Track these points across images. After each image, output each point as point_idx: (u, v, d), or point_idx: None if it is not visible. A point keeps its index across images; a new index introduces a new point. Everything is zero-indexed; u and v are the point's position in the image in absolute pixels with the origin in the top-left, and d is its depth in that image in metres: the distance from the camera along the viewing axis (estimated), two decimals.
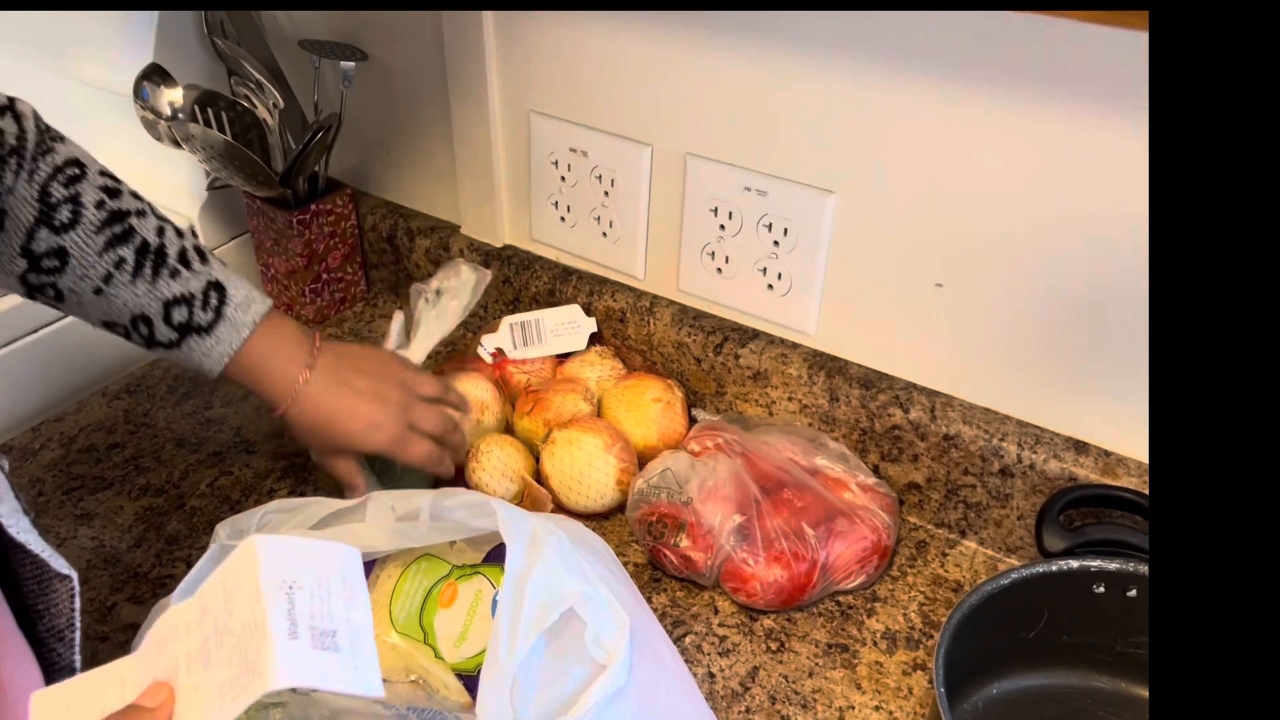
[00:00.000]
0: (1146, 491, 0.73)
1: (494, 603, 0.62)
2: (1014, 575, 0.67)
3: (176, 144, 0.94)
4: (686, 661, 0.72)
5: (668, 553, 0.79)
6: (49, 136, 0.67)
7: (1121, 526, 0.71)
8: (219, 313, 0.69)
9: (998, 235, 0.74)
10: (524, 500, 0.85)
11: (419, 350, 0.86)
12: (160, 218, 0.70)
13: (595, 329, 0.97)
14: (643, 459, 0.87)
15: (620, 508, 0.85)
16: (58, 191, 0.65)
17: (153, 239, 0.68)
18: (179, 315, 0.68)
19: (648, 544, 0.81)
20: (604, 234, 0.95)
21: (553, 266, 1.00)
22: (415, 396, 0.77)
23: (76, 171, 0.66)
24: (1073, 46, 0.65)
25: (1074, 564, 0.68)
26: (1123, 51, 0.63)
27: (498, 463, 0.85)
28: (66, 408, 0.98)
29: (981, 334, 0.79)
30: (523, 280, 1.01)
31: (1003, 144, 0.71)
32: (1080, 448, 0.77)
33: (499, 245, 1.04)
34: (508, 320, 0.97)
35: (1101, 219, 0.70)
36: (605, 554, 0.66)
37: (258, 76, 1.00)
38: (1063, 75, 0.67)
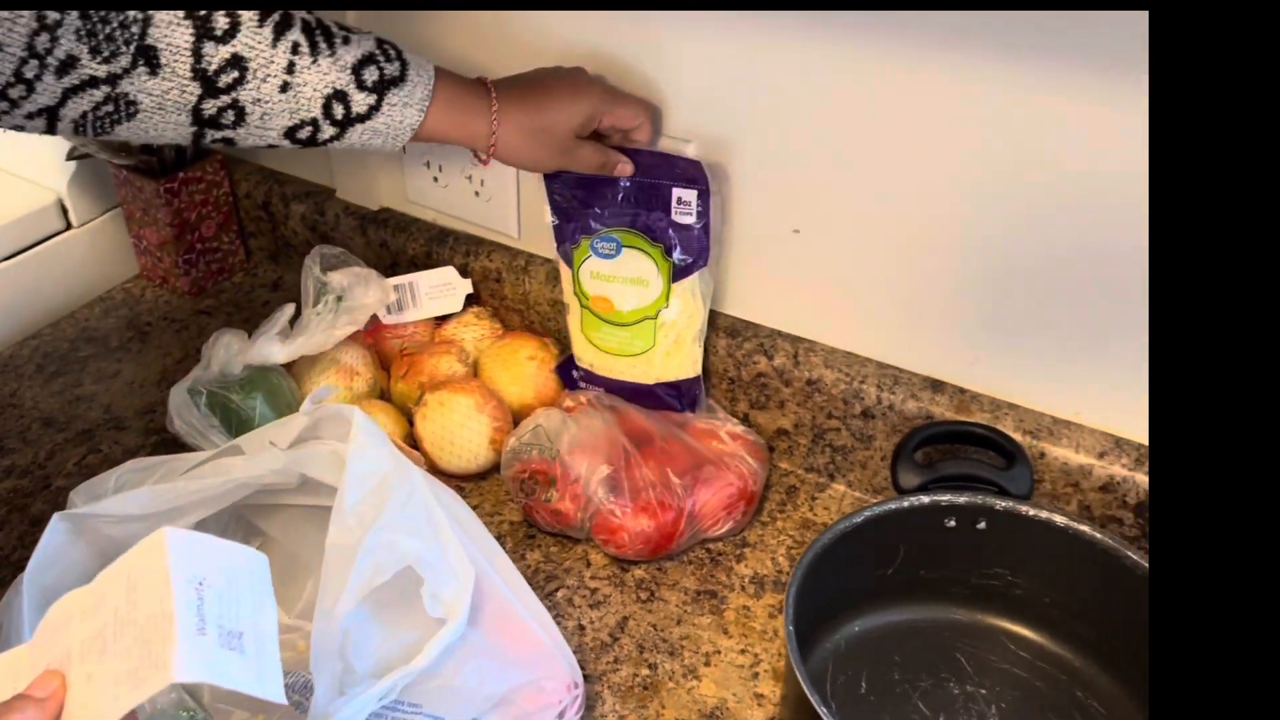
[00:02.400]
0: (998, 428, 0.74)
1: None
2: (866, 513, 0.68)
3: None
4: (558, 617, 0.73)
5: (539, 509, 0.79)
6: None
7: (973, 461, 0.72)
8: (402, 59, 0.67)
9: (848, 180, 0.74)
10: None
11: (293, 352, 0.83)
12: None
13: (471, 290, 0.96)
14: (519, 418, 0.86)
15: (495, 468, 0.85)
16: None
17: (308, 15, 0.64)
18: (370, 75, 0.65)
19: (521, 501, 0.81)
20: (476, 193, 0.94)
21: (429, 228, 0.99)
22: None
23: None
24: None
25: (925, 499, 0.69)
26: None
27: None
28: None
29: (838, 277, 0.79)
30: (400, 243, 0.99)
31: (847, 86, 0.71)
32: (936, 386, 0.78)
33: (375, 209, 1.02)
34: None
35: (936, 151, 0.70)
36: (465, 516, 0.65)
37: None
38: (915, 24, 0.66)
